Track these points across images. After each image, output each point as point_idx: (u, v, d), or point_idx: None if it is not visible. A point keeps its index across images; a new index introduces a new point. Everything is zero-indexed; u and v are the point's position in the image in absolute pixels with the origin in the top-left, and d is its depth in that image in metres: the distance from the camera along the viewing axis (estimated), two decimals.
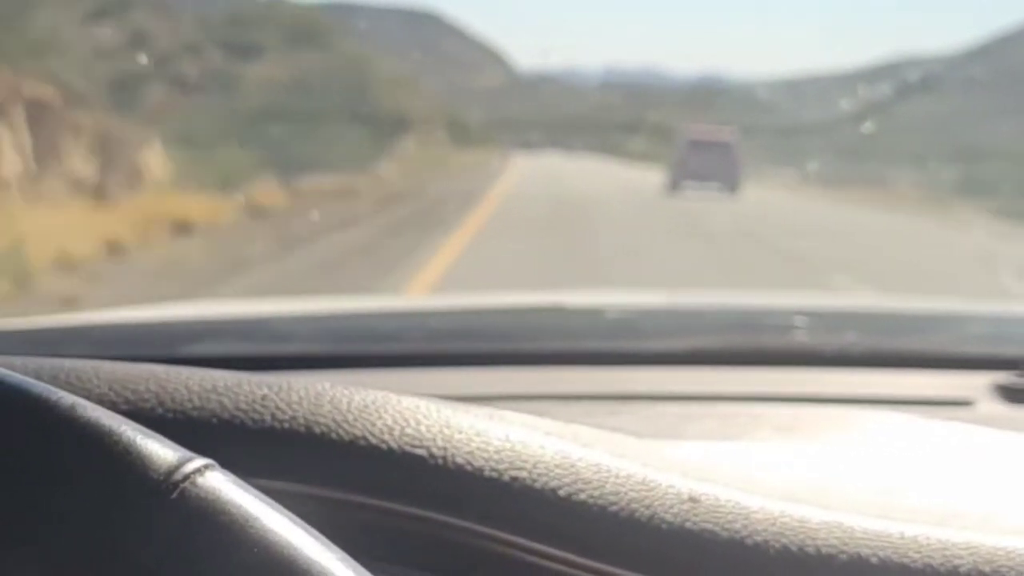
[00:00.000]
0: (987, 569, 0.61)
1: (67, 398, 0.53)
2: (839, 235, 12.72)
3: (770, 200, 19.92)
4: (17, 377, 0.54)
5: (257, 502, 0.50)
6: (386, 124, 20.30)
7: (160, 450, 0.51)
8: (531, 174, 22.32)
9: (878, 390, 1.27)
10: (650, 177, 21.64)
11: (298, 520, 0.50)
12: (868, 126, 23.20)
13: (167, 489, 0.49)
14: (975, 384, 1.26)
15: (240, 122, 17.54)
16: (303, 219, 11.88)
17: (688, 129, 23.73)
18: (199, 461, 0.50)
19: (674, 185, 21.23)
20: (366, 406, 0.63)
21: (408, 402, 0.65)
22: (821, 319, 1.50)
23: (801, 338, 1.42)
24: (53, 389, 0.54)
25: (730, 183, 21.25)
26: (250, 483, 0.53)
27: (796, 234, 12.58)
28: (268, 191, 13.69)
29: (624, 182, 21.99)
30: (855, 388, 1.27)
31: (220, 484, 0.50)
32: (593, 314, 1.58)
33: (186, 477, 0.50)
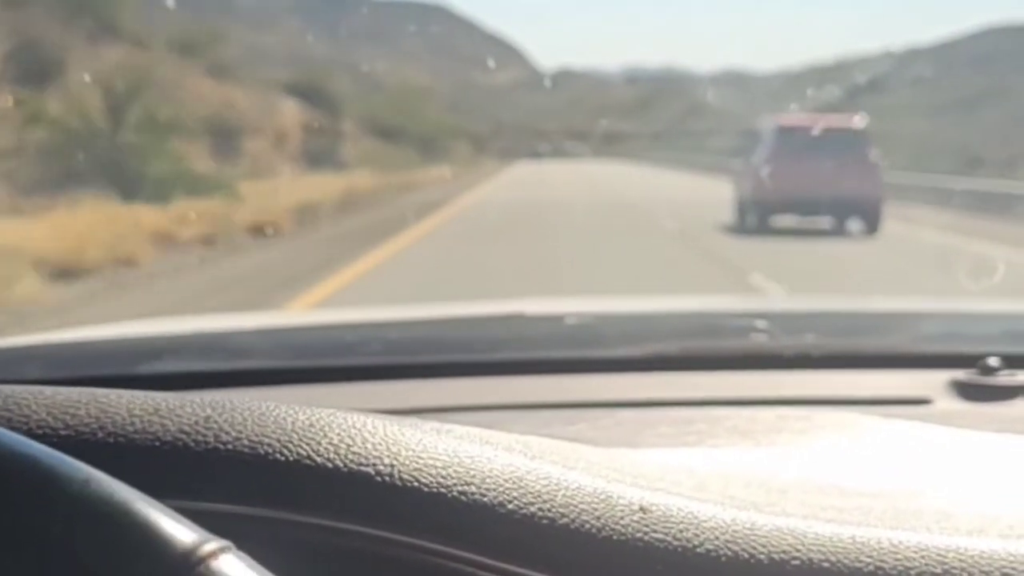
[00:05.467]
0: (938, 570, 0.64)
1: (81, 471, 0.54)
2: None
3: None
4: (29, 446, 0.55)
5: None
6: None
7: (176, 530, 0.52)
8: None
9: (836, 390, 1.32)
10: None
11: None
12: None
13: (183, 573, 0.51)
14: (933, 382, 1.31)
15: None
16: None
17: (778, 117, 15.06)
18: (215, 543, 0.53)
19: (748, 217, 13.03)
20: (311, 424, 0.66)
21: (354, 419, 0.67)
22: (779, 321, 1.55)
23: (760, 341, 1.47)
24: (68, 460, 0.54)
25: (868, 213, 12.94)
26: (196, 507, 0.56)
27: None
28: None
29: None
30: (813, 389, 1.32)
31: (235, 568, 0.52)
32: (553, 321, 1.64)
33: (201, 560, 0.52)
